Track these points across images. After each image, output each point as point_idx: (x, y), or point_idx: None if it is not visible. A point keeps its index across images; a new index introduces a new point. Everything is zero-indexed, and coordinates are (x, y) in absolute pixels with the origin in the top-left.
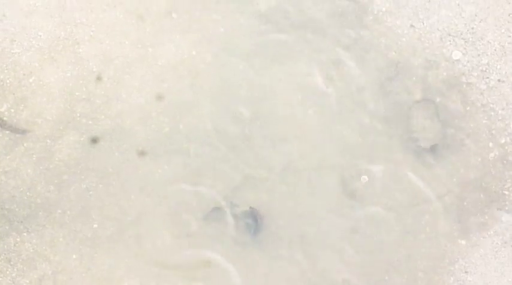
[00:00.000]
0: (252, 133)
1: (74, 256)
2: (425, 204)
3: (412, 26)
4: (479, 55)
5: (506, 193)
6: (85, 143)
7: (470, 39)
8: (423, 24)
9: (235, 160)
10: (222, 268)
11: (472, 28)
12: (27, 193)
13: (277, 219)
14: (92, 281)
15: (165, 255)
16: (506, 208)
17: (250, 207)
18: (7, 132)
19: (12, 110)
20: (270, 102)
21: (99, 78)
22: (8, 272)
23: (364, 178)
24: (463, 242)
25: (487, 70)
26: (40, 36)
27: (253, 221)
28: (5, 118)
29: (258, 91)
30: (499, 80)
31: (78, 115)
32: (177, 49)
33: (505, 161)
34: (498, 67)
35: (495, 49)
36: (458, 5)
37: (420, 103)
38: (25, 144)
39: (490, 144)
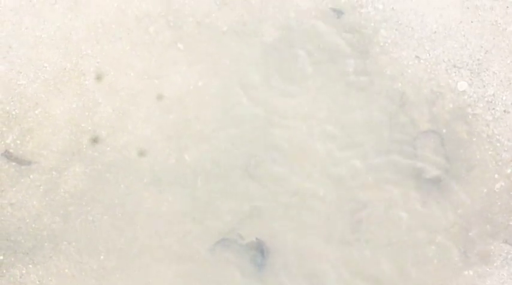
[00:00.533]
0: (257, 164)
1: None
2: (431, 236)
3: (417, 57)
4: (484, 86)
5: None
6: (91, 174)
7: (476, 70)
8: (429, 55)
9: (242, 191)
10: None
11: (478, 59)
12: (33, 225)
13: (283, 251)
14: None
15: None
16: None
17: (256, 238)
18: (13, 163)
19: (18, 141)
20: (276, 133)
21: (104, 110)
22: None
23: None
24: (469, 273)
25: (493, 101)
26: (46, 67)
27: (260, 252)
28: (10, 150)
29: (264, 123)
30: (504, 111)
31: (83, 146)
32: (182, 81)
33: (511, 193)
34: (504, 98)
35: (501, 80)
36: (464, 36)
37: (426, 134)
38: (31, 176)
39: (496, 175)
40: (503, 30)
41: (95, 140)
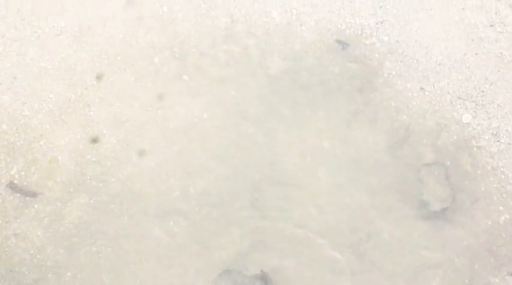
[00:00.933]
0: (261, 196)
1: None
2: (435, 267)
3: (422, 88)
4: (489, 118)
5: None
6: (95, 206)
7: (481, 102)
8: (433, 87)
9: (246, 223)
10: None
11: (482, 91)
12: (37, 256)
13: (287, 282)
14: None
15: None
16: None
17: (261, 270)
18: (17, 194)
19: (23, 172)
20: (280, 165)
21: (109, 141)
22: None
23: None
24: None
25: (498, 134)
26: (50, 98)
27: (264, 284)
28: (15, 181)
29: (268, 155)
30: (509, 143)
31: (88, 177)
32: (187, 112)
33: None
34: (508, 130)
35: (505, 113)
36: (469, 68)
37: (430, 166)
38: (35, 206)
39: (501, 208)
40: (508, 62)
41: (99, 171)
